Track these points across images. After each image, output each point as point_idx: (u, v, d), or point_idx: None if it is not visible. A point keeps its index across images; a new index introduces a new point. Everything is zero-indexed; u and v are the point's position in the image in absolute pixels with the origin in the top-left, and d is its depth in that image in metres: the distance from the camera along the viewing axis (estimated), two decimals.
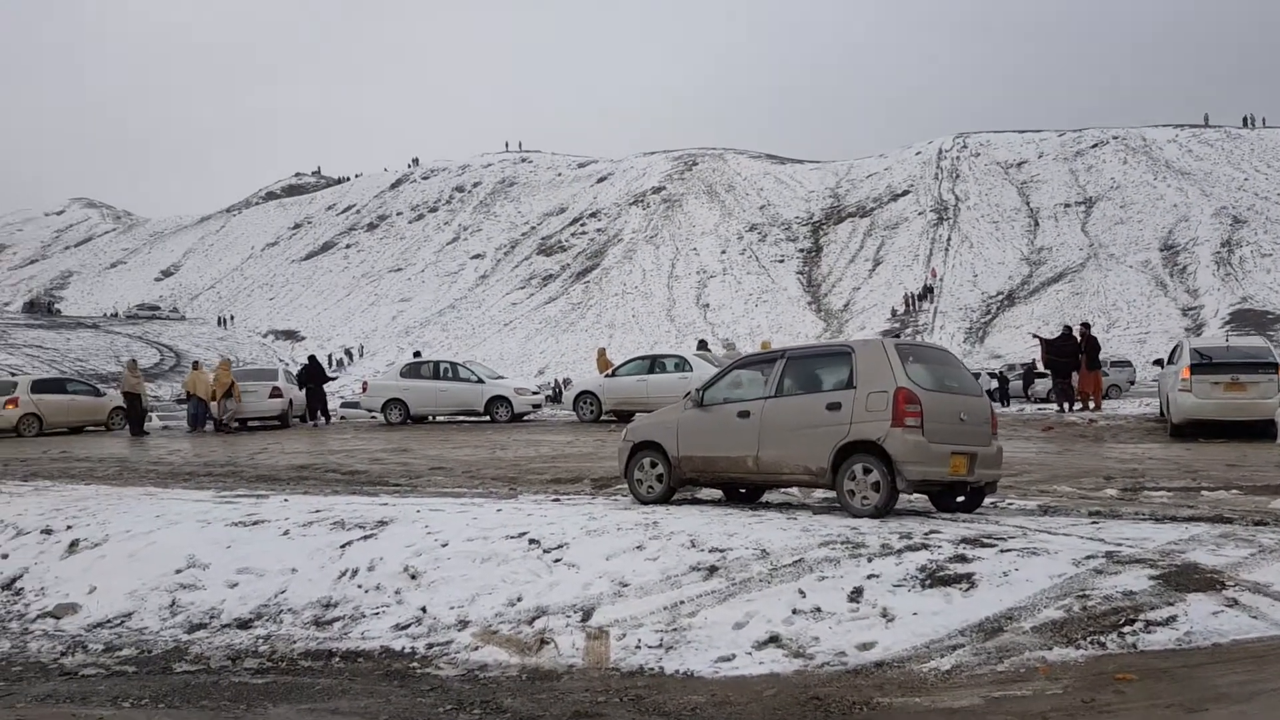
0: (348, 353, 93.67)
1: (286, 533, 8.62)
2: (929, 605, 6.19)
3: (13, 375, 52.05)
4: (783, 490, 9.88)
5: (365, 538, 8.31)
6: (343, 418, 30.20)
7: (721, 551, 7.16)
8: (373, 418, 25.63)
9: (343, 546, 8.21)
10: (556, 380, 60.43)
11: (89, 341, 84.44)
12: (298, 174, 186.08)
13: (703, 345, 27.89)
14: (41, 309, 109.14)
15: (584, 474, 12.63)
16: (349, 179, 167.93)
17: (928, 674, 5.42)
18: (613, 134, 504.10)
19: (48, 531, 9.25)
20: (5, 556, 8.94)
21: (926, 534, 7.28)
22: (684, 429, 9.12)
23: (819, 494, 9.75)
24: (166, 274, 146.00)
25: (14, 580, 8.57)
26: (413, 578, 7.60)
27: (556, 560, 7.50)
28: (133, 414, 23.26)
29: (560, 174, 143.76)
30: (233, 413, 22.25)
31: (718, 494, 9.98)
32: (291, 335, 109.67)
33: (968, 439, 8.20)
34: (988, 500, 9.00)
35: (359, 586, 7.64)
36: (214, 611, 7.64)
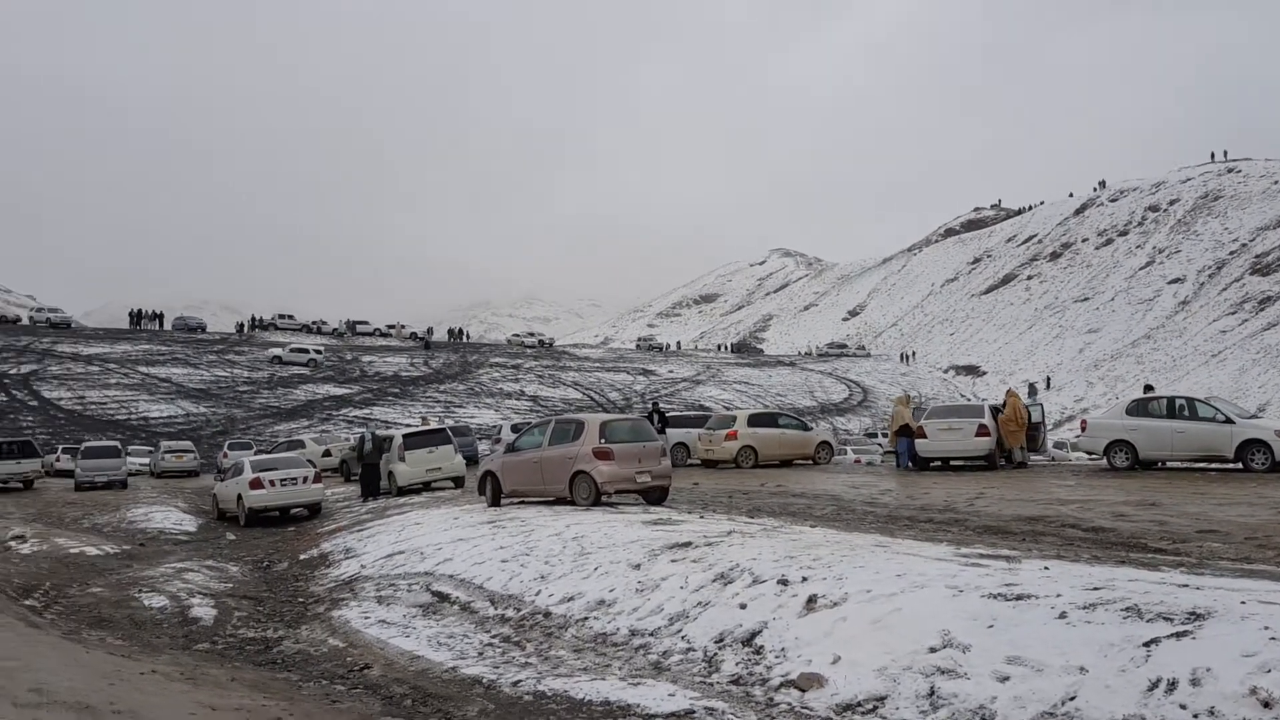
0: (1031, 387, 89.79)
1: (1063, 615, 6.80)
2: None
3: (727, 409, 57.53)
4: None
5: (1176, 635, 6.17)
6: (1051, 459, 27.74)
7: None
8: (1089, 459, 22.97)
9: (1146, 645, 6.16)
10: None
11: (786, 378, 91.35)
12: (976, 208, 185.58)
13: None
14: (747, 349, 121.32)
15: None
16: (1029, 208, 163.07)
17: None
18: None
19: (784, 583, 8.51)
20: (744, 607, 8.35)
21: None
22: None
23: None
24: (853, 314, 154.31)
25: (753, 636, 7.88)
26: (1266, 705, 5.32)
27: None
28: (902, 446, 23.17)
29: (1278, 181, 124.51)
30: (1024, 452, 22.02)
31: None
32: (972, 370, 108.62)
33: None
34: None
35: (1182, 708, 5.55)
36: (984, 712, 6.08)
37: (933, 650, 6.82)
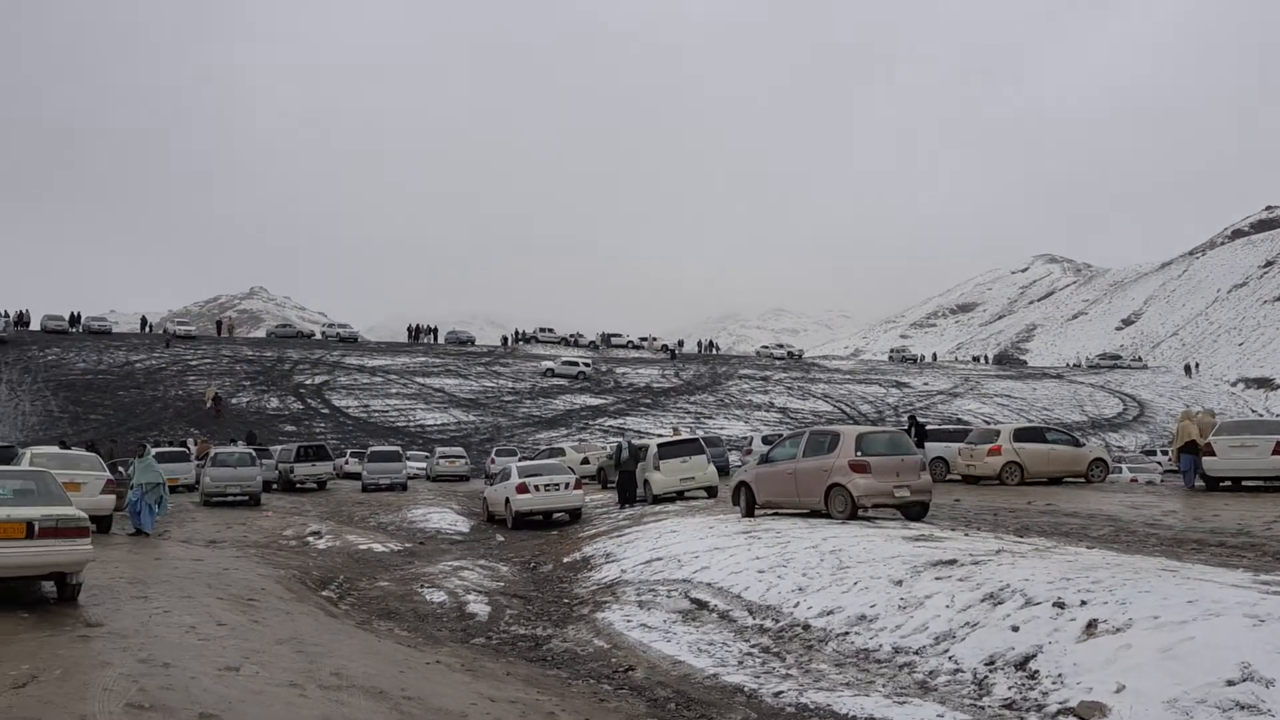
0: None
1: None
2: None
3: (988, 423, 55.19)
4: None
5: None
6: None
7: None
8: None
9: None
10: None
11: (1053, 391, 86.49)
12: (1268, 207, 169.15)
13: None
14: (1009, 361, 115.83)
15: None
16: None
17: None
18: None
19: (1060, 605, 8.09)
20: (1015, 629, 8.00)
21: None
22: None
23: None
24: (1127, 323, 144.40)
25: (1027, 660, 7.53)
26: None
27: None
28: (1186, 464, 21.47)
29: None
30: None
31: None
32: (1265, 384, 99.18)
33: None
34: None
35: None
36: None
37: (1230, 683, 6.29)
